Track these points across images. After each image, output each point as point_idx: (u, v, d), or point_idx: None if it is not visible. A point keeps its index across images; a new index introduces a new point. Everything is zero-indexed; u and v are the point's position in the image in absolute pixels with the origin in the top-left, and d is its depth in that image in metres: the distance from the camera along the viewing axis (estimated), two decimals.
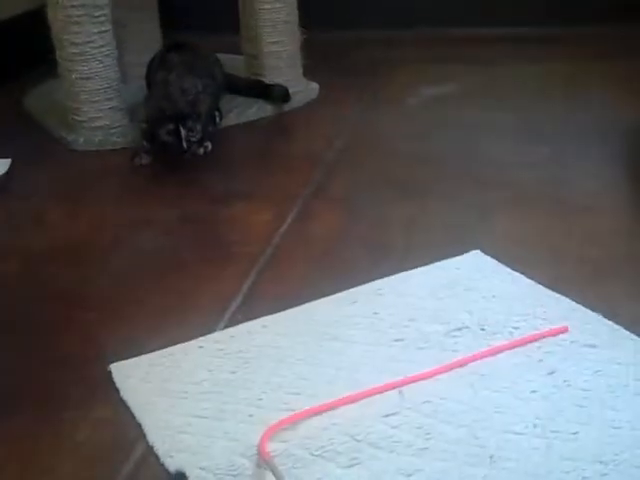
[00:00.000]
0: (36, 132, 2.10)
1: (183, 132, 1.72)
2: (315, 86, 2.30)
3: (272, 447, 0.94)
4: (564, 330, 1.14)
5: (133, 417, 1.03)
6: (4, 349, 1.22)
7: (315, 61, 2.28)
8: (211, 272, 1.39)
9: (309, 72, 2.30)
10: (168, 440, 0.98)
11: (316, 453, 0.94)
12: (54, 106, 2.15)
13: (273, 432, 0.97)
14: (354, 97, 2.26)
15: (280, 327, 1.20)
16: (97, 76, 1.94)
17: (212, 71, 2.02)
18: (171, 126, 1.73)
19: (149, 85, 2.00)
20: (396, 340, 1.15)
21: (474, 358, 1.09)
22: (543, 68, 2.37)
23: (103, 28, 1.93)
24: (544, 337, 1.12)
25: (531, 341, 1.12)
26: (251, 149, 1.98)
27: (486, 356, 1.09)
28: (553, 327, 1.14)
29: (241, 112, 2.12)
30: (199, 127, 1.76)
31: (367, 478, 0.91)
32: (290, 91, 2.17)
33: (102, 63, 1.95)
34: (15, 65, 2.48)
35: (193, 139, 1.75)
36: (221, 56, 2.22)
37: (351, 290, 1.28)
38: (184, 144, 1.73)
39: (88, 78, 1.94)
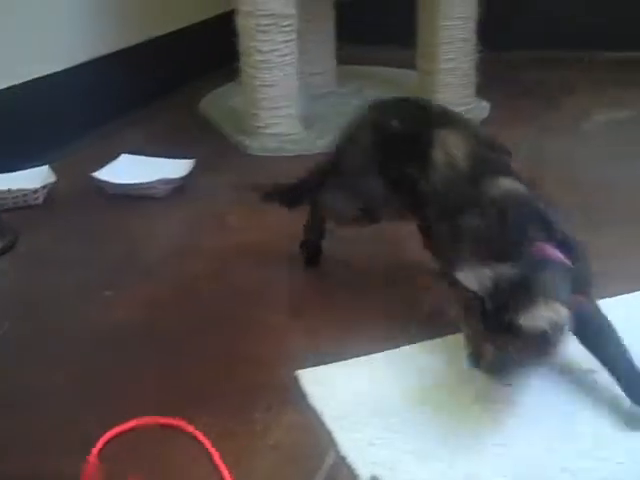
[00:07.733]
0: (213, 136, 2.17)
1: None
2: (486, 105, 2.27)
3: None
4: None
5: (323, 424, 1.05)
6: (196, 348, 1.25)
7: (486, 80, 2.26)
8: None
9: (480, 90, 2.28)
10: (360, 452, 0.99)
11: None
12: (230, 111, 2.21)
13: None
14: (525, 119, 2.21)
15: None
16: (278, 84, 1.99)
17: None
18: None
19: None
20: None
21: None
22: None
23: (288, 37, 1.98)
24: None
25: None
26: None
27: None
28: None
29: None
30: None
31: None
32: (462, 109, 2.15)
33: (284, 71, 2.00)
34: (189, 69, 2.57)
35: None
36: (394, 71, 2.22)
37: None
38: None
39: (270, 85, 1.99)
